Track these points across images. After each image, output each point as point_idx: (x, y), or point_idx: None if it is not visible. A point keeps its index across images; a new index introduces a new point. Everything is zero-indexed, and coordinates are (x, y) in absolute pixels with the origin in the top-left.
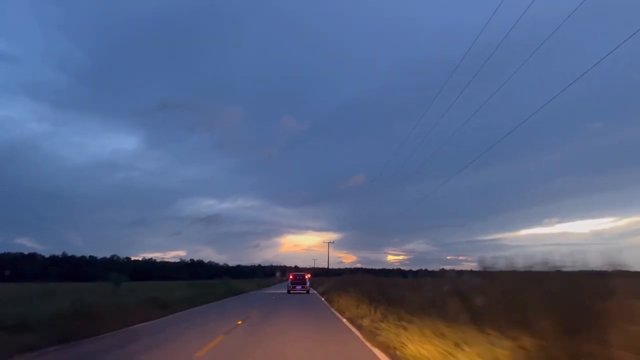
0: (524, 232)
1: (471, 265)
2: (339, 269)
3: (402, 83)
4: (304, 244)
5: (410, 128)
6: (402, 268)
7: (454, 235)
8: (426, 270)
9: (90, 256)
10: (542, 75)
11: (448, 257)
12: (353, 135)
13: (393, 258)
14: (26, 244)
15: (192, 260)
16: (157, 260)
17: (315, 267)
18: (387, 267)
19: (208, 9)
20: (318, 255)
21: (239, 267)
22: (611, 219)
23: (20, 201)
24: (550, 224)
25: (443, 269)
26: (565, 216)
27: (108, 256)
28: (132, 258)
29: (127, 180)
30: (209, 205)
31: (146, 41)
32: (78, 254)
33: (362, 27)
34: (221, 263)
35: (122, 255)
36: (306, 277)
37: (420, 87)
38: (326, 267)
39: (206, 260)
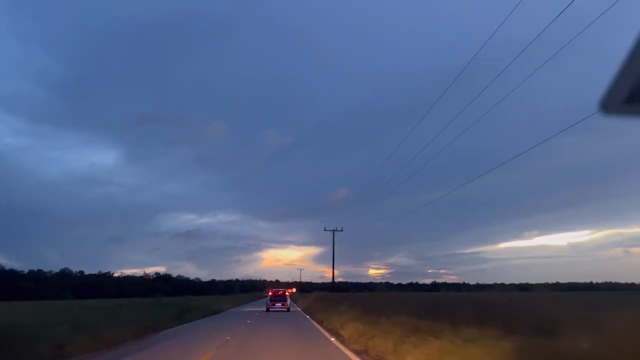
0: (503, 245)
1: (452, 278)
2: (323, 283)
3: (386, 98)
4: (286, 259)
5: (393, 143)
6: (391, 281)
7: (435, 248)
8: (417, 283)
9: (39, 270)
10: (518, 92)
11: (429, 271)
12: (335, 150)
13: (375, 272)
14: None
15: (157, 274)
16: (116, 275)
17: (298, 281)
18: (365, 281)
19: (189, 21)
20: (298, 271)
21: (213, 281)
22: (588, 231)
23: None
24: (530, 236)
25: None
26: (545, 229)
27: (57, 270)
28: (86, 272)
29: (105, 195)
30: (188, 220)
31: (125, 54)
32: (24, 269)
33: (348, 38)
34: (192, 277)
35: (76, 269)
36: (286, 293)
37: (404, 103)
38: (308, 281)
39: (187, 276)
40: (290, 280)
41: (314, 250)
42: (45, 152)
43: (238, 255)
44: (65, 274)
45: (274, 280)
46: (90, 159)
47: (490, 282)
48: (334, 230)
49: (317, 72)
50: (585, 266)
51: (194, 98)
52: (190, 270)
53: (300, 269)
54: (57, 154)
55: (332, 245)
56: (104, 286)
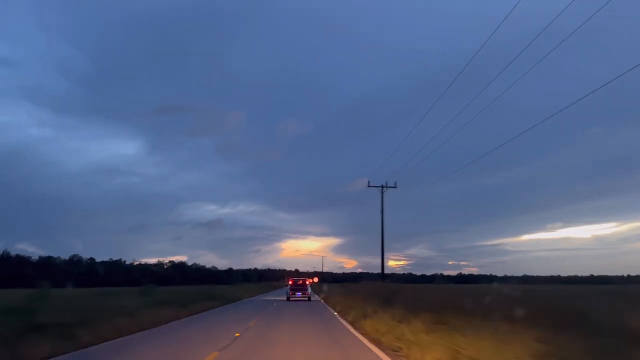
0: (525, 237)
1: (472, 270)
2: (343, 274)
3: (404, 86)
4: (305, 249)
5: (412, 131)
6: (414, 273)
7: (456, 240)
8: (441, 274)
9: (49, 257)
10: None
11: (449, 262)
12: (355, 139)
13: (394, 263)
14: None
15: (172, 262)
16: (128, 263)
17: (319, 271)
18: (387, 272)
19: (209, 10)
20: (318, 261)
21: (230, 270)
22: (613, 224)
23: (19, 205)
24: (554, 229)
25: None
26: (568, 221)
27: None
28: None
29: (127, 185)
30: (210, 210)
31: (146, 44)
32: (34, 256)
33: (369, 20)
34: (208, 266)
35: (102, 258)
36: (307, 282)
37: (422, 90)
38: (328, 271)
39: (204, 265)
40: (311, 270)
41: (333, 241)
42: (68, 142)
43: (258, 245)
44: (73, 261)
45: (292, 270)
46: (112, 150)
47: (510, 274)
48: (382, 186)
49: (336, 58)
50: (610, 259)
51: (214, 88)
52: (212, 260)
53: (323, 257)
54: (79, 145)
55: (350, 236)
56: (114, 274)
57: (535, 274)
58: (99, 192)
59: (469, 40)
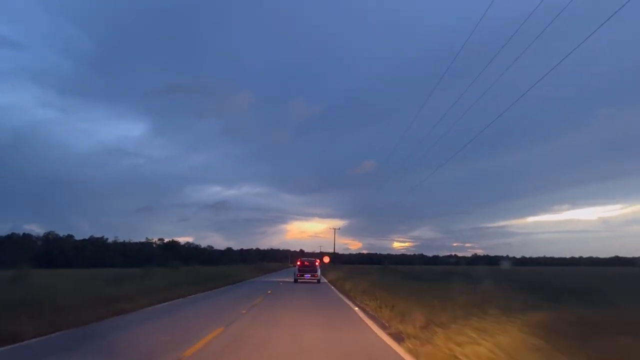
0: (530, 219)
1: (478, 251)
2: (350, 255)
3: (412, 71)
4: (310, 231)
5: (418, 116)
6: (423, 253)
7: (461, 222)
8: (455, 255)
9: (24, 234)
10: (551, 63)
11: (454, 244)
12: (361, 123)
13: (399, 245)
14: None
15: (161, 240)
16: (111, 241)
17: (326, 252)
18: (393, 253)
19: None
20: (324, 242)
21: (230, 250)
22: (619, 206)
23: (25, 187)
24: (560, 210)
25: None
26: (574, 203)
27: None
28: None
29: (133, 167)
30: (215, 192)
31: (152, 24)
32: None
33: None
34: (203, 245)
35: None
36: (316, 263)
37: (429, 75)
38: (332, 252)
39: (204, 245)
40: (317, 251)
41: (338, 223)
42: (74, 124)
43: (264, 227)
44: (48, 239)
45: (297, 250)
46: (118, 131)
47: (518, 255)
48: None
49: (347, 37)
50: (615, 240)
51: (221, 68)
52: (217, 242)
53: (335, 232)
54: (85, 126)
55: (355, 217)
56: (89, 253)
57: (540, 255)
58: (105, 174)
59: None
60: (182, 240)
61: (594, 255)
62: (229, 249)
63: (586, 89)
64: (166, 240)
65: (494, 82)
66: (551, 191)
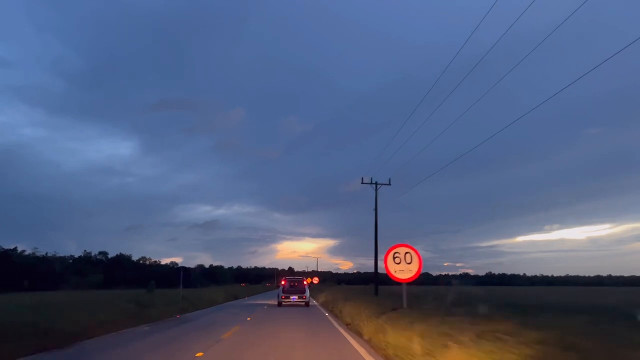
0: (520, 238)
1: (468, 271)
2: (346, 274)
3: (400, 86)
4: (301, 250)
5: (405, 133)
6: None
7: (451, 241)
8: (447, 275)
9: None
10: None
11: (445, 264)
12: (349, 141)
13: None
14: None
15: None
16: (57, 256)
17: (317, 270)
18: (383, 272)
19: (206, 6)
20: (314, 262)
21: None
22: (608, 225)
23: (13, 204)
24: (551, 230)
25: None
26: (563, 223)
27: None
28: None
29: (122, 185)
30: (205, 211)
31: (142, 42)
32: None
33: (369, 14)
34: (166, 263)
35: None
36: (304, 283)
37: (417, 92)
38: (326, 271)
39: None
40: (307, 270)
41: (328, 242)
42: (63, 143)
43: (254, 246)
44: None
45: (286, 268)
46: (108, 150)
47: (509, 274)
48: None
49: (338, 56)
50: (604, 260)
51: (210, 87)
52: (206, 261)
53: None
54: (74, 145)
55: (346, 237)
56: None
57: (531, 274)
58: (94, 192)
59: (476, 34)
60: (170, 260)
61: (585, 274)
62: (212, 267)
63: (572, 108)
64: (110, 255)
65: (476, 101)
66: (540, 211)
